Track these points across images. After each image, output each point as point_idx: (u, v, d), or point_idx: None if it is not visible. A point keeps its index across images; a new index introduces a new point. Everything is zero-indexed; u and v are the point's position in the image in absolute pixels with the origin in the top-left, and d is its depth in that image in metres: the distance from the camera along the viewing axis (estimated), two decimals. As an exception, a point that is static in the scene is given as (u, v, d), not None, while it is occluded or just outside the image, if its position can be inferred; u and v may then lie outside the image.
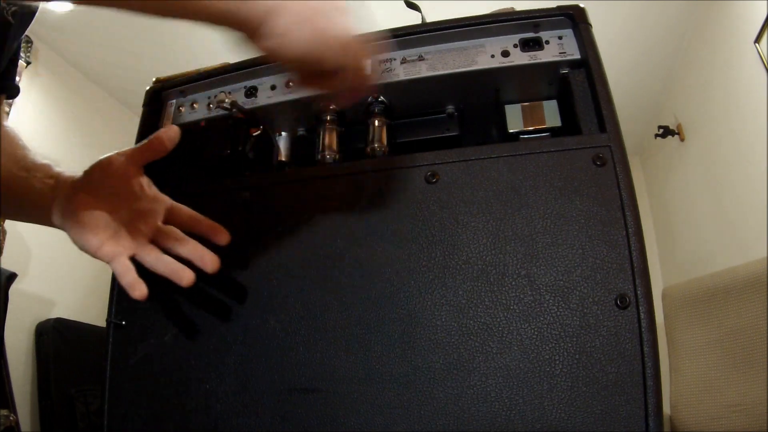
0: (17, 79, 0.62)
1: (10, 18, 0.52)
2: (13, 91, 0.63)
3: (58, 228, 0.55)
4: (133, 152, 0.55)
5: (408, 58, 0.74)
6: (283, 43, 0.44)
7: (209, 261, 0.57)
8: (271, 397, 0.59)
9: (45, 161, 0.58)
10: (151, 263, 0.55)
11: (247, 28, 0.44)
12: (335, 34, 0.46)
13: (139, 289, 0.51)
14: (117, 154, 0.55)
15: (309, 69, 0.48)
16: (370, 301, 0.59)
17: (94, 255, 0.52)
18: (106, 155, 0.55)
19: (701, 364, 1.52)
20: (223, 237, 0.60)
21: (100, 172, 0.54)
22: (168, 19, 0.42)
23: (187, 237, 0.59)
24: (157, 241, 0.58)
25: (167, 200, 0.59)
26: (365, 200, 0.64)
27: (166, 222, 0.59)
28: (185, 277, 0.55)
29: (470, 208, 0.60)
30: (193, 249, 0.58)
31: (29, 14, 0.56)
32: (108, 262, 0.53)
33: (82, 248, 0.52)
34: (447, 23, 0.72)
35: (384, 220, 0.63)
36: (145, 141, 0.55)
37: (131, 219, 0.55)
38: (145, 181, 0.57)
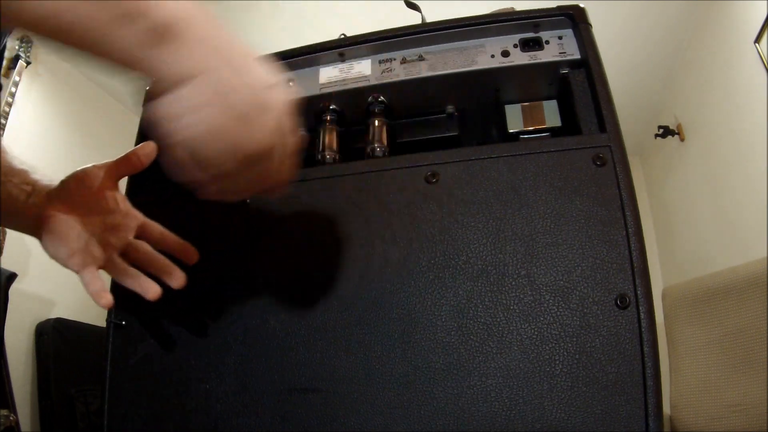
0: (13, 90, 0.61)
1: None
2: None
3: (31, 235, 0.55)
4: (109, 166, 0.55)
5: (408, 58, 0.74)
6: (188, 115, 0.36)
7: (177, 278, 0.57)
8: (271, 397, 0.59)
9: (22, 167, 0.57)
10: (118, 276, 0.56)
11: (157, 85, 0.36)
12: (252, 142, 0.38)
13: (105, 298, 0.52)
14: (94, 167, 0.54)
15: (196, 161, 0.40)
16: (370, 301, 0.59)
17: (63, 264, 0.52)
18: (82, 167, 0.54)
19: (701, 364, 1.52)
20: (192, 257, 0.60)
21: (75, 183, 0.54)
22: (74, 50, 0.36)
23: (156, 253, 0.59)
24: (127, 255, 0.58)
25: (139, 216, 0.59)
26: (365, 200, 0.64)
27: (137, 237, 0.59)
28: (151, 289, 0.55)
29: (470, 208, 0.60)
30: (162, 265, 0.58)
31: None
32: (76, 272, 0.53)
33: (53, 257, 0.52)
34: (447, 23, 0.72)
35: (384, 220, 0.63)
36: (121, 156, 0.55)
37: (103, 232, 0.55)
38: (119, 196, 0.57)
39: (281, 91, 0.40)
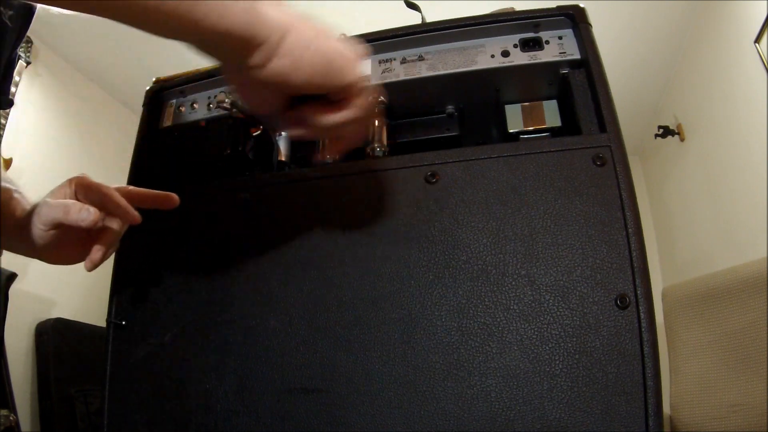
0: (13, 90, 0.61)
1: (7, 21, 0.52)
2: (6, 105, 0.64)
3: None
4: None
5: (408, 58, 0.74)
6: (294, 64, 0.42)
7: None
8: (271, 397, 0.59)
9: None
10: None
11: (252, 48, 0.41)
12: (341, 54, 0.45)
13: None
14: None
15: (316, 95, 0.47)
16: (370, 301, 0.59)
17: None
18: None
19: (701, 364, 1.52)
20: (171, 201, 0.62)
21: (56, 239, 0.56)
22: (154, 33, 0.39)
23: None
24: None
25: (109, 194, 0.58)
26: (365, 200, 0.64)
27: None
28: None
29: (470, 208, 0.60)
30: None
31: (25, 21, 0.56)
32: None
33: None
34: (447, 23, 0.72)
35: (384, 220, 0.63)
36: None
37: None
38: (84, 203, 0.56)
39: (349, 44, 0.47)
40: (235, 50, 0.41)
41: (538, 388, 0.52)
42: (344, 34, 0.79)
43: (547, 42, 0.70)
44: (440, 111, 0.77)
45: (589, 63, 0.66)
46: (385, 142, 0.73)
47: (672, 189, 2.89)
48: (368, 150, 0.72)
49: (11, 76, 0.62)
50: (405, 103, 0.75)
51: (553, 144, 0.63)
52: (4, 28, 0.53)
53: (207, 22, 0.38)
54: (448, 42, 0.73)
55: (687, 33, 2.41)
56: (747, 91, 1.97)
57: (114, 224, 0.58)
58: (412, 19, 0.86)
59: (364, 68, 0.49)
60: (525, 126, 0.71)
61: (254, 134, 0.76)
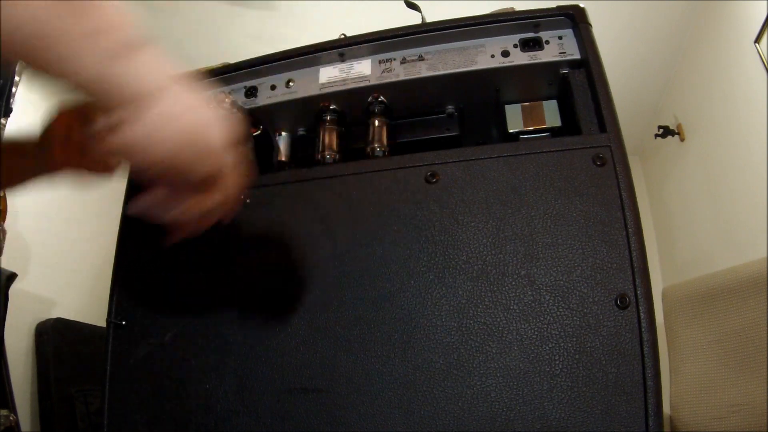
0: (13, 91, 0.61)
1: None
2: (9, 112, 0.64)
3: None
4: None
5: (408, 58, 0.74)
6: (148, 140, 0.36)
7: None
8: (271, 397, 0.59)
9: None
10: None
11: (117, 106, 0.35)
12: (207, 136, 0.39)
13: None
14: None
15: (171, 178, 0.40)
16: (370, 301, 0.59)
17: None
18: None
19: (701, 364, 1.52)
20: None
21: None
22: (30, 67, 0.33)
23: None
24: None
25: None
26: (365, 200, 0.64)
27: None
28: None
29: (470, 208, 0.60)
30: None
31: None
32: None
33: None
34: (447, 23, 0.72)
35: (384, 220, 0.63)
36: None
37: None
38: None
39: (222, 120, 0.41)
40: (96, 101, 0.35)
41: (538, 388, 0.52)
42: (344, 34, 0.79)
43: (547, 42, 0.70)
44: (440, 111, 0.77)
45: (589, 63, 0.66)
46: (385, 142, 0.73)
47: (672, 189, 2.89)
48: (368, 150, 0.72)
49: (12, 88, 0.62)
50: (405, 103, 0.75)
51: (553, 144, 0.63)
52: None
53: (58, 69, 0.33)
54: (448, 42, 0.73)
55: (687, 33, 2.41)
56: (747, 91, 1.97)
57: None
58: (412, 19, 0.86)
59: (237, 140, 0.43)
60: (525, 126, 0.71)
61: (254, 134, 0.76)
